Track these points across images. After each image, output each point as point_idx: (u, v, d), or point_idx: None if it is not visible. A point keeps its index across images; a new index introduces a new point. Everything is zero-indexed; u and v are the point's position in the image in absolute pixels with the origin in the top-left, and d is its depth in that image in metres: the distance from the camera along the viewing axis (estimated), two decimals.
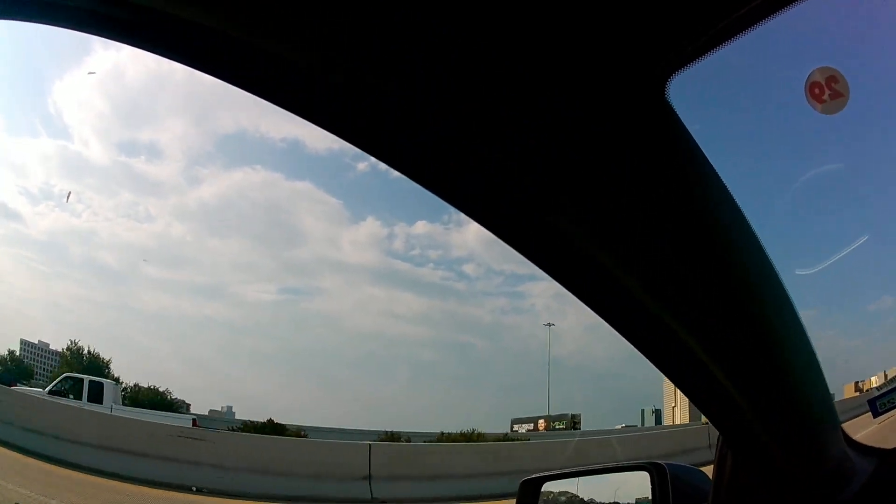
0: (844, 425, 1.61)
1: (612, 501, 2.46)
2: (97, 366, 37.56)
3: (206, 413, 39.95)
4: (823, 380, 1.38)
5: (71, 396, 21.29)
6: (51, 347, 41.17)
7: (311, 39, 0.80)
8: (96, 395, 21.99)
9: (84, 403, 20.61)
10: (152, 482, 13.77)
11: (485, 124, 0.89)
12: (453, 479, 15.73)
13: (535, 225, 1.03)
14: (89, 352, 38.51)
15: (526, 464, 15.86)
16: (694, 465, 2.15)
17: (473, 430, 28.63)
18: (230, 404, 41.78)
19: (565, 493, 2.57)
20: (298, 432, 26.37)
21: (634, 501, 2.26)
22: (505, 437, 29.91)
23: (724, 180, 1.02)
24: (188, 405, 44.15)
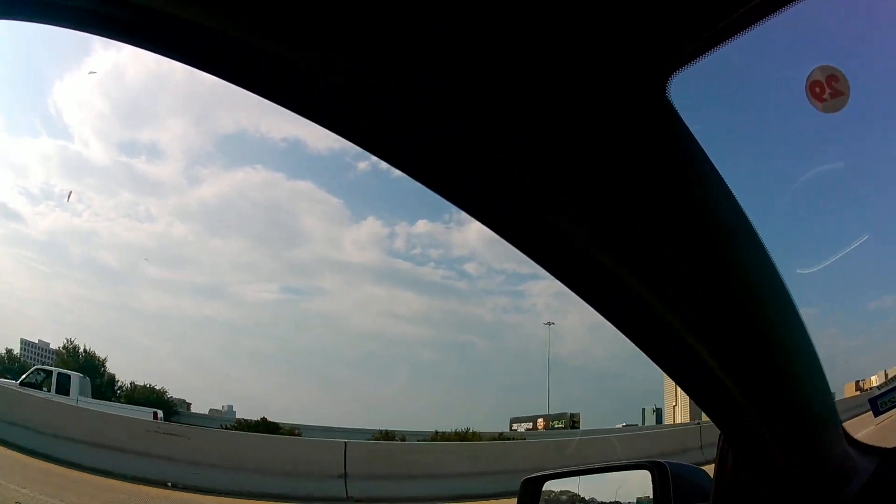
0: (845, 424, 1.61)
1: (613, 500, 2.47)
2: (93, 364, 37.58)
3: (207, 412, 40.07)
4: (824, 379, 1.38)
5: (44, 389, 21.68)
6: (51, 347, 41.14)
7: (311, 39, 0.80)
8: (64, 387, 22.41)
9: (52, 395, 20.91)
10: (128, 477, 13.79)
11: (485, 124, 0.89)
12: (432, 478, 15.57)
13: (537, 224, 1.03)
14: (85, 350, 38.50)
15: (509, 464, 15.79)
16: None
17: (468, 430, 28.60)
18: (231, 404, 41.75)
19: (567, 491, 2.57)
20: (292, 431, 26.41)
21: (636, 500, 2.26)
22: (500, 437, 29.77)
23: (725, 179, 1.02)
24: (188, 404, 44.27)
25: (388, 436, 26.69)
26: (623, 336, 1.22)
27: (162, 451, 14.77)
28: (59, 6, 0.88)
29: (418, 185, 0.97)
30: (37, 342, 44.20)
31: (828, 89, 1.20)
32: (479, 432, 28.86)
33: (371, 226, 72.28)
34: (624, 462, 2.31)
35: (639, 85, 0.87)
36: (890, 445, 1.69)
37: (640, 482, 2.01)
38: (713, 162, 0.99)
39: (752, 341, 1.20)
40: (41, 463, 13.44)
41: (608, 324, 1.19)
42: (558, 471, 2.59)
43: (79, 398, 22.21)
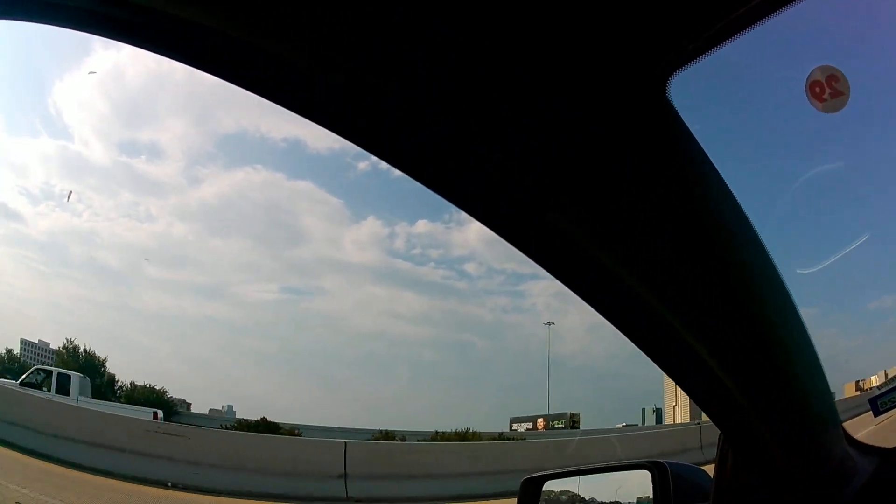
0: (845, 424, 1.61)
1: (613, 500, 2.47)
2: (93, 364, 37.61)
3: (207, 412, 40.06)
4: (824, 379, 1.38)
5: (44, 389, 21.71)
6: (51, 347, 41.14)
7: (310, 39, 0.80)
8: (64, 387, 22.42)
9: (52, 395, 20.92)
10: (128, 477, 13.81)
11: (485, 124, 0.89)
12: (432, 478, 15.53)
13: (537, 224, 1.03)
14: (85, 350, 38.50)
15: (509, 464, 15.74)
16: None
17: (468, 430, 28.44)
18: (231, 404, 41.76)
19: (567, 491, 2.57)
20: (292, 431, 26.34)
21: (636, 500, 2.26)
22: (500, 437, 29.66)
23: (725, 179, 1.02)
24: (188, 404, 44.28)
25: (388, 436, 26.56)
26: (623, 336, 1.22)
27: (162, 451, 14.77)
28: (59, 6, 0.88)
29: (418, 185, 0.97)
30: (37, 342, 44.23)
31: (828, 89, 1.20)
32: (479, 432, 28.75)
33: (371, 226, 72.29)
34: (624, 462, 2.31)
35: (639, 85, 0.87)
36: (890, 445, 1.69)
37: (641, 482, 2.01)
38: (713, 162, 0.99)
39: (752, 341, 1.20)
40: (41, 463, 13.45)
41: (608, 324, 1.19)
42: (558, 471, 2.59)
43: (79, 398, 22.22)
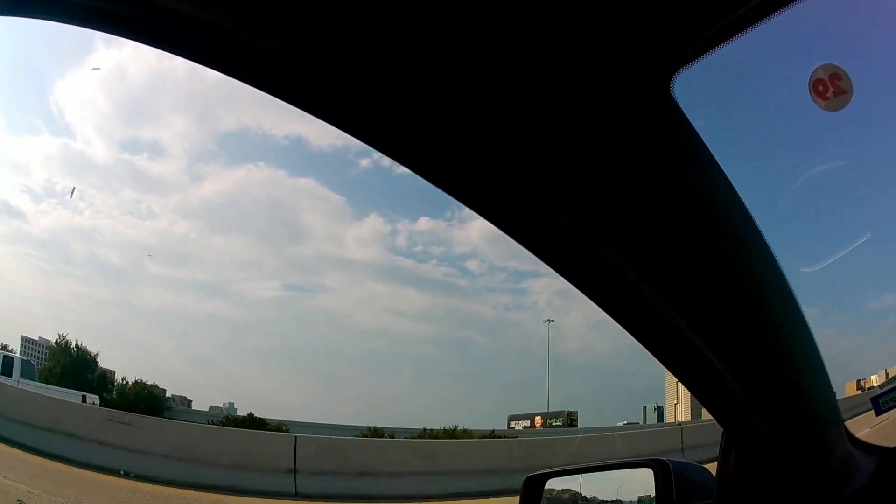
0: (847, 423, 1.61)
1: (615, 499, 2.46)
2: (85, 359, 37.83)
3: (207, 409, 40.11)
4: (827, 377, 1.38)
5: None
6: (52, 344, 41.24)
7: (310, 39, 0.80)
8: (7, 369, 23.06)
9: None
10: (84, 464, 13.96)
11: (490, 123, 0.89)
12: (384, 476, 15.34)
13: (542, 221, 1.03)
14: (77, 345, 38.60)
15: (464, 464, 15.92)
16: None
17: (456, 427, 27.96)
18: (232, 401, 41.76)
19: (568, 489, 2.57)
20: (280, 427, 26.18)
21: (637, 499, 2.26)
22: (491, 434, 29.22)
23: (729, 177, 1.02)
24: (189, 401, 44.41)
25: (376, 433, 26.22)
26: (625, 334, 1.22)
27: (112, 438, 14.89)
28: (60, 2, 0.88)
29: (420, 182, 0.97)
30: (37, 339, 44.40)
31: (831, 88, 1.20)
32: (471, 430, 28.40)
33: (373, 223, 72.48)
34: (626, 460, 2.31)
35: (642, 83, 0.86)
36: (891, 445, 1.69)
37: (643, 480, 2.01)
38: (717, 159, 0.99)
39: (754, 340, 1.20)
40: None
41: (610, 321, 1.19)
42: (560, 469, 2.58)
43: (20, 380, 22.64)
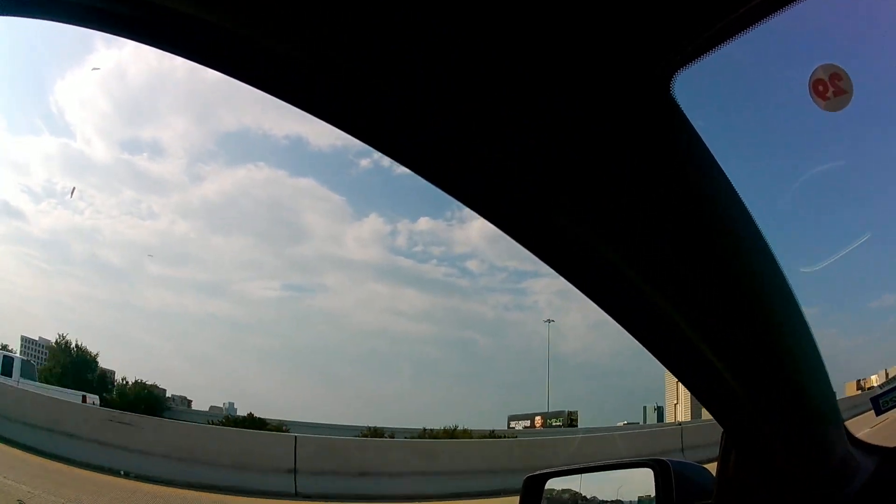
0: (847, 423, 1.61)
1: (615, 499, 2.46)
2: (85, 359, 37.89)
3: (207, 409, 40.14)
4: (827, 377, 1.38)
5: None
6: (52, 344, 41.25)
7: (310, 39, 0.80)
8: (7, 369, 23.17)
9: None
10: (84, 464, 14.00)
11: (490, 123, 0.89)
12: (384, 476, 15.29)
13: (541, 221, 1.03)
14: (77, 345, 38.62)
15: (465, 464, 15.86)
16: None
17: (456, 427, 27.78)
18: (232, 401, 41.77)
19: (568, 490, 2.57)
20: (280, 427, 26.11)
21: (637, 499, 2.26)
22: (491, 434, 29.13)
23: (729, 177, 1.02)
24: (189, 401, 44.42)
25: (376, 433, 26.11)
26: (625, 334, 1.22)
27: (112, 438, 14.89)
28: (60, 2, 0.88)
29: (420, 182, 0.97)
30: (37, 339, 44.43)
31: (831, 88, 1.20)
32: (471, 430, 28.28)
33: (373, 223, 72.51)
34: (626, 460, 2.31)
35: (642, 82, 0.86)
36: (891, 445, 1.69)
37: (643, 480, 2.01)
38: (717, 159, 0.99)
39: (755, 339, 1.20)
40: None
41: (610, 321, 1.19)
42: (561, 469, 2.58)
43: (20, 380, 22.73)
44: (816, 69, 1.21)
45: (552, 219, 1.02)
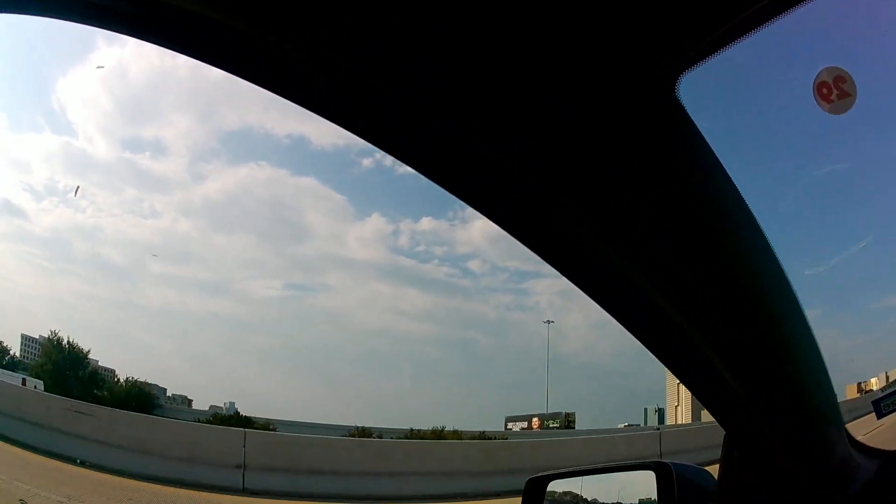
0: (847, 426, 1.61)
1: (616, 501, 2.46)
2: (76, 356, 37.96)
3: (207, 409, 40.20)
4: (828, 380, 1.38)
5: None
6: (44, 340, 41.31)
7: (311, 38, 0.80)
8: None
9: None
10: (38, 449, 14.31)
11: (490, 123, 0.89)
12: (333, 475, 15.28)
13: (542, 220, 1.03)
14: (69, 342, 38.69)
15: (419, 465, 15.89)
16: None
17: (443, 428, 27.92)
18: (233, 401, 41.86)
19: (570, 492, 2.57)
20: (267, 426, 26.33)
21: (637, 502, 2.26)
22: (481, 436, 29.03)
23: (734, 179, 1.02)
24: (190, 401, 44.51)
25: (364, 433, 26.13)
26: (627, 334, 1.22)
27: (71, 427, 15.21)
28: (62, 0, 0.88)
29: (423, 181, 0.97)
30: (37, 338, 44.49)
31: (835, 90, 1.20)
32: (461, 431, 28.25)
33: (375, 222, 72.66)
34: (628, 462, 2.31)
35: (646, 84, 0.86)
36: (892, 448, 1.69)
37: (644, 483, 2.01)
38: (721, 161, 0.99)
39: (756, 341, 1.20)
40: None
41: (612, 322, 1.19)
42: (562, 471, 2.58)
43: None
44: (820, 72, 1.22)
45: (553, 218, 1.02)
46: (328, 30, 0.79)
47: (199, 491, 13.86)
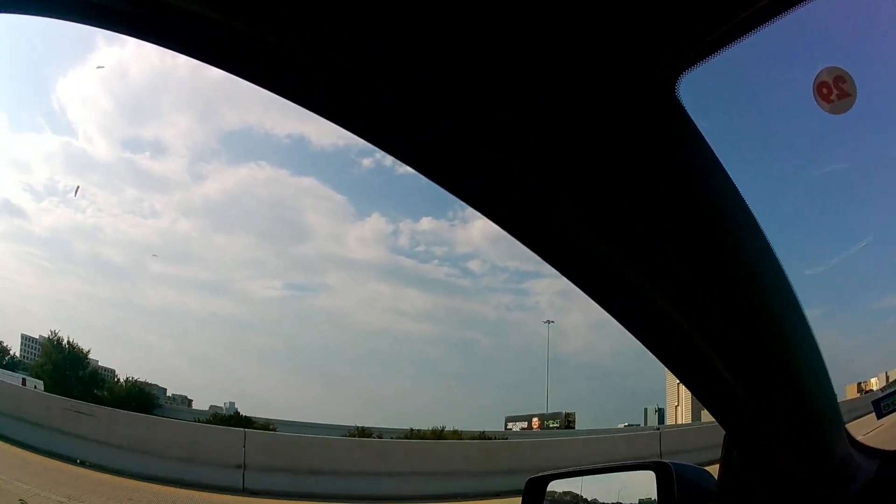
0: (847, 426, 1.61)
1: (616, 501, 2.46)
2: (76, 356, 38.00)
3: (208, 408, 40.23)
4: (828, 380, 1.38)
5: None
6: (44, 340, 41.30)
7: (311, 38, 0.80)
8: None
9: None
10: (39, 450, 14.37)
11: (491, 123, 0.89)
12: (333, 475, 15.32)
13: (542, 220, 1.03)
14: (69, 342, 38.73)
15: (419, 465, 15.91)
16: None
17: (443, 428, 27.91)
18: (233, 401, 41.88)
19: (569, 492, 2.57)
20: (266, 426, 26.36)
21: (637, 502, 2.26)
22: (481, 436, 29.07)
23: (734, 179, 1.02)
24: (190, 401, 44.51)
25: (364, 433, 26.17)
26: (627, 334, 1.22)
27: (72, 427, 15.27)
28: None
29: (423, 181, 0.97)
30: (37, 338, 44.51)
31: (835, 90, 1.20)
32: (462, 431, 28.26)
33: (375, 222, 72.66)
34: (628, 462, 2.31)
35: (645, 83, 0.86)
36: (892, 448, 1.69)
37: (645, 483, 2.01)
38: (721, 161, 0.99)
39: (756, 340, 1.20)
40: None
41: (612, 322, 1.19)
42: (563, 471, 2.58)
43: None
44: (820, 72, 1.21)
45: (553, 218, 1.02)
46: (328, 30, 0.79)
47: (199, 491, 13.87)
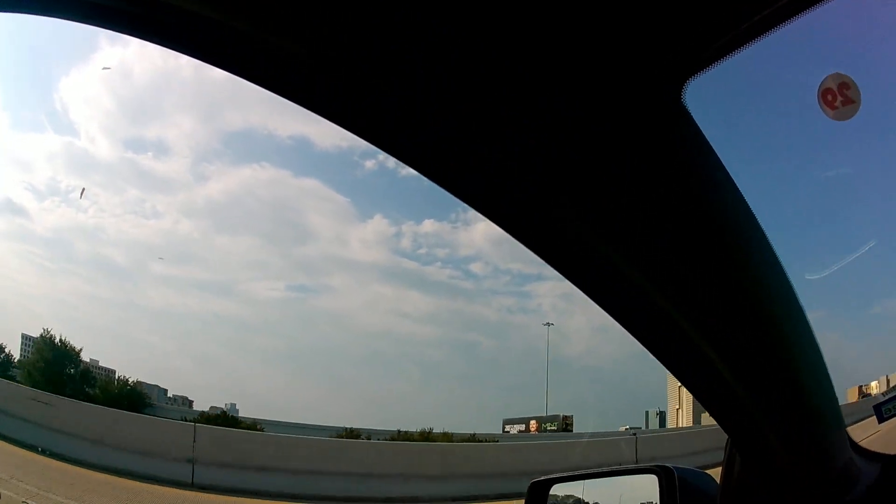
0: (849, 429, 1.61)
1: None
2: (68, 354, 38.01)
3: (208, 409, 40.20)
4: (830, 383, 1.38)
5: None
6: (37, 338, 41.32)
7: (311, 38, 0.80)
8: None
9: None
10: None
11: (491, 123, 0.89)
12: (281, 472, 15.35)
13: (543, 220, 1.03)
14: (61, 340, 38.68)
15: (374, 467, 15.90)
16: None
17: (431, 429, 27.93)
18: (234, 402, 41.83)
19: (572, 496, 2.57)
20: (254, 426, 26.40)
21: None
22: (472, 438, 28.60)
23: (737, 181, 1.02)
24: (191, 401, 44.49)
25: (352, 434, 26.00)
26: (629, 337, 1.22)
27: (35, 416, 15.58)
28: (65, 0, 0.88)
29: (425, 183, 0.97)
30: (37, 337, 44.50)
31: (839, 97, 1.20)
32: (451, 433, 28.22)
33: (378, 224, 72.52)
34: (631, 466, 2.31)
35: (654, 88, 0.87)
36: (893, 452, 1.69)
37: (647, 487, 2.01)
38: (725, 164, 0.99)
39: (758, 342, 1.20)
40: None
41: (614, 325, 1.19)
42: (565, 475, 2.58)
43: None
44: (826, 78, 1.22)
45: (554, 219, 1.02)
46: (328, 30, 0.79)
47: (148, 483, 14.07)
